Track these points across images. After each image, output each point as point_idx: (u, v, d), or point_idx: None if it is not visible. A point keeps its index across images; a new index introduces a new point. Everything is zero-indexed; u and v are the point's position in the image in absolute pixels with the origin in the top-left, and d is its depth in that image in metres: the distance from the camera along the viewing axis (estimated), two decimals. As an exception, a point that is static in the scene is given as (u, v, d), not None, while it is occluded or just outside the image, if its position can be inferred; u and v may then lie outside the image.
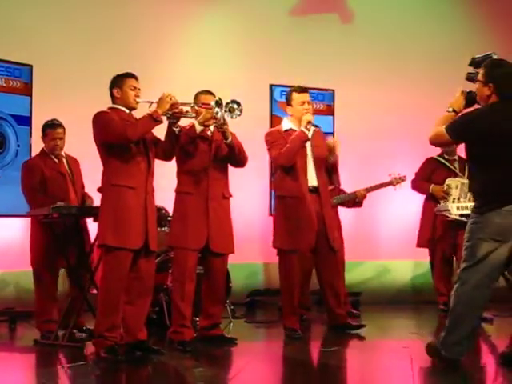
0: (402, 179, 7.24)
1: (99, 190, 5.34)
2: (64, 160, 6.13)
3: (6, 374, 4.98)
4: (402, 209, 8.19)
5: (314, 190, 5.98)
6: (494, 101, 4.69)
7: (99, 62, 7.46)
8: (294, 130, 5.98)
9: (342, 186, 7.02)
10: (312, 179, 5.98)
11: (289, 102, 6.06)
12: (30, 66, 7.24)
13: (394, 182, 7.23)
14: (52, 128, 6.07)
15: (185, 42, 8.02)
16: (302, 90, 6.03)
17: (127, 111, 5.22)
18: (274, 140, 5.97)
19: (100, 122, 5.12)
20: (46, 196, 5.90)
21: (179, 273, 5.51)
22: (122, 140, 5.05)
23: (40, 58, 7.26)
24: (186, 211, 5.52)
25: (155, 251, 5.28)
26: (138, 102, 5.23)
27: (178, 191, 5.62)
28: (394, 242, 8.20)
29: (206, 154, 5.56)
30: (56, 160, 6.09)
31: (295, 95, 6.01)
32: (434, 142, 4.96)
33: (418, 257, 7.83)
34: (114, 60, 7.26)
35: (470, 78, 4.90)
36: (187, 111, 5.35)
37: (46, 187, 5.97)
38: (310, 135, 5.92)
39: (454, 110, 4.91)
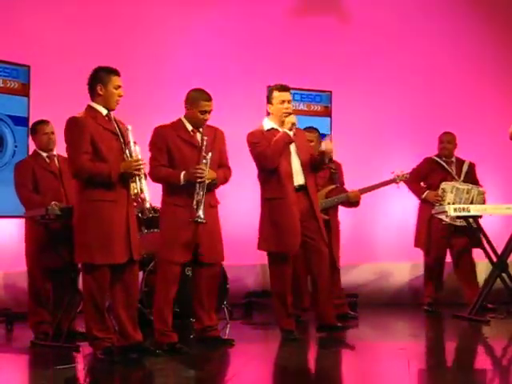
0: (404, 176, 7.11)
1: None
2: (55, 159, 6.13)
3: (1, 375, 4.97)
4: (399, 210, 8.19)
5: (302, 188, 5.90)
6: None
7: (97, 62, 7.42)
8: (275, 130, 5.90)
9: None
10: (299, 178, 5.90)
11: (269, 100, 5.98)
12: (28, 67, 7.23)
13: (396, 180, 7.08)
14: (42, 124, 6.11)
15: (182, 43, 8.01)
16: (284, 88, 5.92)
17: (105, 112, 5.15)
18: (256, 141, 5.88)
19: (69, 143, 5.09)
20: (39, 195, 5.92)
21: (164, 283, 5.47)
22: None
23: (38, 58, 7.25)
24: (174, 224, 5.45)
25: (138, 260, 5.25)
26: (118, 103, 5.17)
27: (166, 202, 5.54)
28: (392, 243, 8.19)
29: (196, 164, 5.46)
30: (47, 160, 6.10)
31: (276, 93, 5.91)
32: None
33: (416, 259, 7.82)
34: (113, 60, 7.23)
35: None
36: None
37: (37, 186, 5.98)
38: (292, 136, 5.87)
39: None
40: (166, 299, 5.47)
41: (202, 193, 5.37)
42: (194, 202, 5.36)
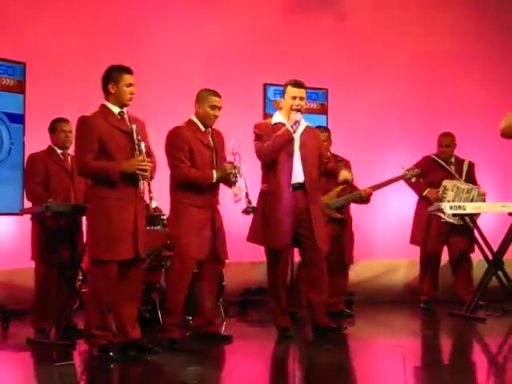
0: (416, 172, 7.01)
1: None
2: (69, 158, 6.13)
3: (-2, 372, 4.98)
4: (397, 207, 8.19)
5: (300, 186, 5.86)
6: None
7: (93, 59, 7.43)
8: (282, 124, 5.90)
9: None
10: (298, 175, 5.85)
11: (283, 94, 6.00)
12: (24, 64, 7.22)
13: (407, 175, 6.99)
14: (62, 121, 6.13)
15: (179, 40, 8.00)
16: (298, 84, 5.91)
17: (117, 110, 5.17)
18: (260, 133, 5.90)
19: (76, 141, 5.18)
20: (47, 191, 5.93)
21: (178, 282, 5.52)
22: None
23: (34, 55, 7.24)
24: (194, 224, 5.51)
25: (144, 258, 5.31)
26: (131, 101, 5.20)
27: (180, 202, 5.56)
28: (390, 240, 8.20)
29: (211, 164, 5.60)
30: (61, 156, 6.11)
31: (289, 88, 5.91)
32: (507, 132, 4.57)
33: (413, 256, 7.82)
34: (110, 57, 7.21)
35: None
36: None
37: (48, 182, 6.00)
38: (298, 134, 5.86)
39: None
40: (182, 296, 5.51)
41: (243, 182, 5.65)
42: (244, 194, 5.60)
